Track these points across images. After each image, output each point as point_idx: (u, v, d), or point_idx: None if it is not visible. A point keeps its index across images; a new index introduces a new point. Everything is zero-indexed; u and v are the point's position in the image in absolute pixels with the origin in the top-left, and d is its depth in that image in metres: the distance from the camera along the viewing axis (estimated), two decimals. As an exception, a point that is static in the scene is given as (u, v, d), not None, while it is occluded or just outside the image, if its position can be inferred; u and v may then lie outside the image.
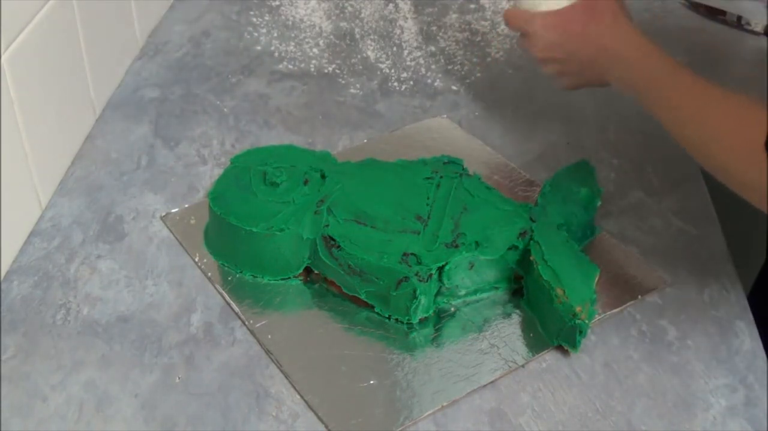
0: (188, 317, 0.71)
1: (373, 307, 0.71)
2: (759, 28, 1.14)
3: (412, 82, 1.02)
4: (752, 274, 0.97)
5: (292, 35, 1.11)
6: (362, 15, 1.16)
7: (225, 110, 0.96)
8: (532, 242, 0.72)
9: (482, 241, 0.71)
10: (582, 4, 0.77)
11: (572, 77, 0.80)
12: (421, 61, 1.06)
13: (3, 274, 0.74)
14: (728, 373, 0.68)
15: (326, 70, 1.04)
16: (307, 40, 1.10)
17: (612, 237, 0.80)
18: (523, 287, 0.73)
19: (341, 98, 0.99)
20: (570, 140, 0.93)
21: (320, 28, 1.12)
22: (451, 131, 0.94)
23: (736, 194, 0.69)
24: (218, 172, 0.86)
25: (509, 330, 0.71)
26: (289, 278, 0.74)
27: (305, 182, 0.76)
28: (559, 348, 0.69)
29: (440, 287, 0.71)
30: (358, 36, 1.11)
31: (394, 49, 1.09)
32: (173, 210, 0.82)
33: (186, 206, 0.82)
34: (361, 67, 1.05)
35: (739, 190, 0.66)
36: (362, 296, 0.71)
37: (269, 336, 0.69)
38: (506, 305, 0.73)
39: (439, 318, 0.72)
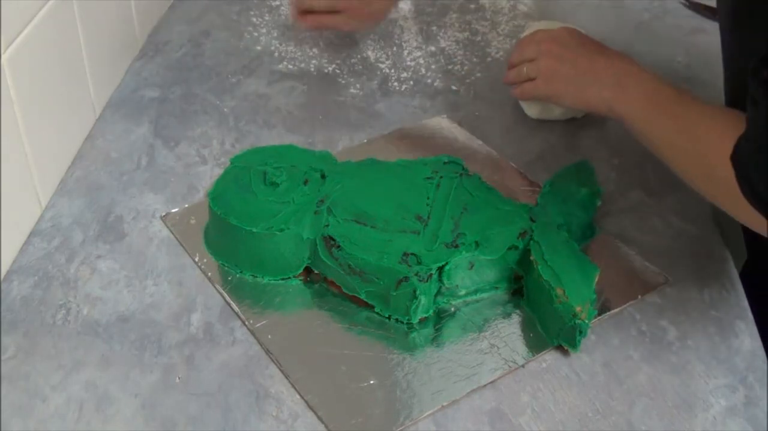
0: (188, 317, 0.71)
1: (373, 307, 0.71)
2: (759, 28, 1.14)
3: (412, 82, 1.03)
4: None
5: (292, 35, 1.11)
6: (362, 15, 1.16)
7: (225, 109, 0.96)
8: (532, 242, 0.72)
9: (482, 241, 0.71)
10: None
11: (557, 83, 0.86)
12: (421, 61, 1.07)
13: (3, 274, 0.74)
14: (728, 373, 0.68)
15: (326, 70, 1.04)
16: (307, 40, 1.10)
17: (612, 237, 0.80)
18: (523, 287, 0.73)
19: (341, 98, 0.99)
20: (570, 140, 0.93)
21: (320, 28, 1.12)
22: (451, 131, 0.94)
23: (687, 182, 0.72)
24: (218, 172, 0.86)
25: (509, 330, 0.71)
26: (289, 278, 0.74)
27: (305, 182, 0.76)
28: (559, 348, 0.69)
29: (440, 287, 0.71)
30: (358, 36, 1.11)
31: (394, 49, 1.09)
32: (173, 210, 0.82)
33: (186, 206, 0.82)
34: (361, 67, 1.05)
35: (712, 200, 0.70)
36: (362, 296, 0.71)
37: (269, 336, 0.69)
38: (506, 305, 0.73)
39: (439, 318, 0.72)
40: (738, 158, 0.63)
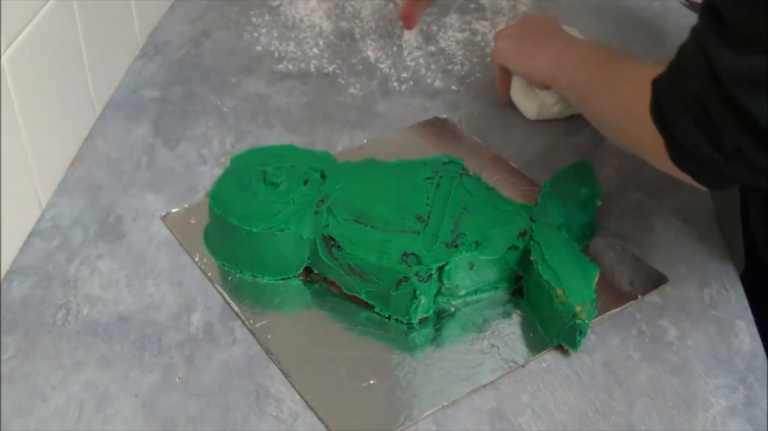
0: (188, 317, 0.71)
1: (373, 307, 0.71)
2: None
3: (412, 82, 1.02)
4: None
5: (292, 35, 1.11)
6: (362, 15, 1.16)
7: (225, 109, 0.96)
8: (532, 242, 0.72)
9: (482, 241, 0.71)
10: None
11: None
12: (421, 61, 1.06)
13: (3, 274, 0.74)
14: (728, 373, 0.68)
15: (326, 70, 1.04)
16: (307, 40, 1.10)
17: (612, 237, 0.80)
18: (523, 287, 0.73)
19: (341, 98, 0.99)
20: (570, 140, 0.93)
21: (320, 28, 1.12)
22: (451, 131, 0.94)
23: (736, 194, 0.71)
24: (218, 172, 0.86)
25: (509, 330, 0.71)
26: (289, 278, 0.74)
27: (305, 182, 0.76)
28: (559, 348, 0.69)
29: (440, 287, 0.71)
30: (358, 36, 1.11)
31: (394, 49, 1.09)
32: (173, 210, 0.82)
33: (186, 206, 0.82)
34: (361, 67, 1.05)
35: (637, 152, 0.71)
36: (362, 296, 0.71)
37: (269, 336, 0.69)
38: (506, 305, 0.73)
39: (439, 318, 0.72)
40: (658, 83, 0.65)
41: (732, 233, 0.85)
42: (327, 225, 0.72)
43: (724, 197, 0.80)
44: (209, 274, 0.75)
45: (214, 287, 0.74)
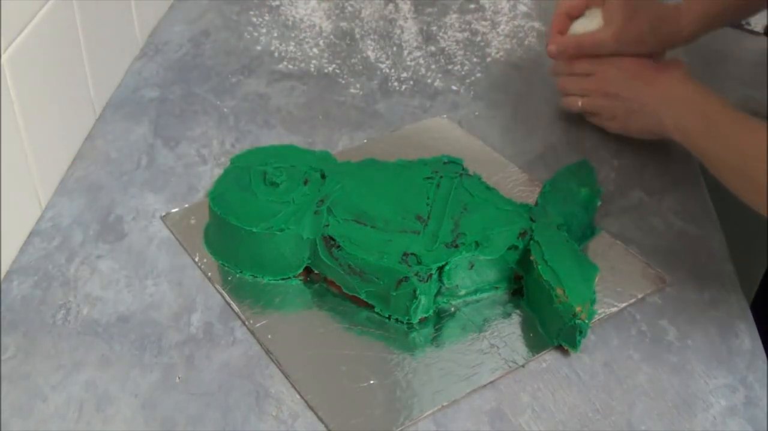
0: (188, 317, 0.71)
1: (373, 307, 0.71)
2: (759, 28, 1.14)
3: (412, 82, 1.03)
4: (752, 274, 0.97)
5: (292, 35, 1.11)
6: (362, 15, 1.16)
7: (225, 109, 0.97)
8: (532, 242, 0.72)
9: (482, 241, 0.71)
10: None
11: (619, 120, 0.89)
12: (421, 61, 1.07)
13: (3, 274, 0.74)
14: (728, 373, 0.68)
15: (326, 70, 1.04)
16: (307, 40, 1.10)
17: (612, 237, 0.80)
18: (523, 287, 0.73)
19: (341, 98, 0.99)
20: (570, 140, 0.93)
21: (320, 28, 1.12)
22: (451, 131, 0.94)
23: (736, 195, 0.71)
24: (218, 172, 0.86)
25: (509, 330, 0.71)
26: (289, 278, 0.74)
27: (305, 182, 0.76)
28: (559, 348, 0.69)
29: (440, 287, 0.71)
30: (358, 36, 1.11)
31: (394, 49, 1.09)
32: (173, 210, 0.82)
33: (186, 206, 0.82)
34: (361, 67, 1.05)
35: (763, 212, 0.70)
36: (362, 296, 0.71)
37: (269, 336, 0.69)
38: (506, 305, 0.73)
39: (439, 318, 0.72)
40: None
41: (744, 231, 0.85)
42: (327, 225, 0.72)
43: (725, 197, 0.80)
44: (209, 274, 0.75)
45: (214, 287, 0.74)
